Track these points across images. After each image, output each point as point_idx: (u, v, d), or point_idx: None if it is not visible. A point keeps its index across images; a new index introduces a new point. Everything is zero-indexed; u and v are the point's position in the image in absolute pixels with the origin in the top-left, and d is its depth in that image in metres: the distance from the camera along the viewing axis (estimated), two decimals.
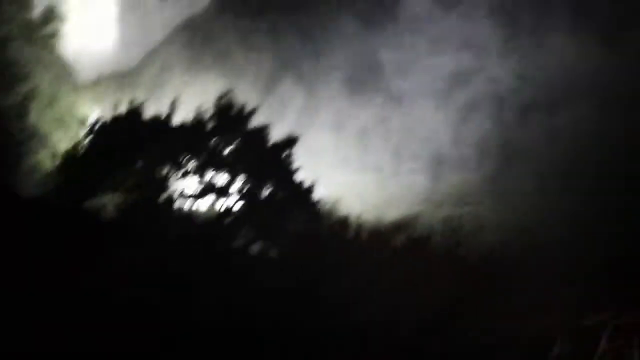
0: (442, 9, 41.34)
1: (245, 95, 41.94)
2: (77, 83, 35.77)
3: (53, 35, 29.85)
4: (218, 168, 19.54)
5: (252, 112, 20.98)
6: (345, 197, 34.93)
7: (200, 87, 39.69)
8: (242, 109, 20.83)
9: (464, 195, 36.34)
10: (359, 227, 35.09)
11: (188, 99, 30.75)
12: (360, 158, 39.64)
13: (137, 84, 38.83)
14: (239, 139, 20.13)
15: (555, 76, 39.09)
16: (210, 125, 19.89)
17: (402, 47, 41.86)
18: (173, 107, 22.26)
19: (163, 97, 33.52)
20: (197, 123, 19.69)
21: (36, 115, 27.94)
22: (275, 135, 38.99)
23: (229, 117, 20.18)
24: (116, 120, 19.67)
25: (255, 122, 21.72)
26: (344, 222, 35.01)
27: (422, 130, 39.76)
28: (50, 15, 29.56)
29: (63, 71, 34.33)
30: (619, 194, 31.79)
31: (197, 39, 42.30)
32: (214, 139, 19.71)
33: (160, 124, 19.14)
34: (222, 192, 19.41)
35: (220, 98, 20.49)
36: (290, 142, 21.55)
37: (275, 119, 40.63)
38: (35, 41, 28.18)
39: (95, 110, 34.18)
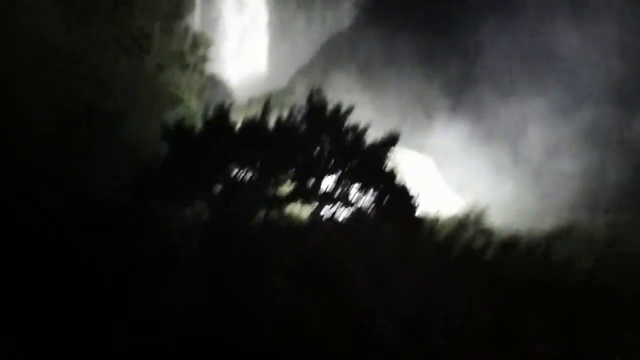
0: None
1: (390, 109, 42.80)
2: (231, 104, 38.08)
3: (202, 60, 32.09)
4: (314, 172, 18.72)
5: (349, 111, 19.73)
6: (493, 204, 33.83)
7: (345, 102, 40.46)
8: (338, 108, 19.66)
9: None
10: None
11: None
12: (512, 162, 38.03)
13: (285, 104, 40.51)
14: (336, 140, 19.14)
15: None
16: (304, 127, 18.89)
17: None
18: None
19: None
20: (291, 126, 18.78)
21: None
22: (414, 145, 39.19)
23: (323, 116, 19.20)
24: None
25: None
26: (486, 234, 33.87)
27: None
28: (197, 42, 31.79)
29: (217, 93, 36.81)
30: None
31: (341, 56, 43.34)
32: (307, 141, 18.82)
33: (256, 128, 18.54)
34: (324, 198, 18.63)
35: (311, 95, 19.29)
36: (391, 141, 20.16)
37: (419, 131, 40.86)
38: (186, 67, 30.51)
39: None
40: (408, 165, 40.92)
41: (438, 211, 34.57)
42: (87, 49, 26.17)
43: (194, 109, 28.33)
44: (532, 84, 40.56)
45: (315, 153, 18.79)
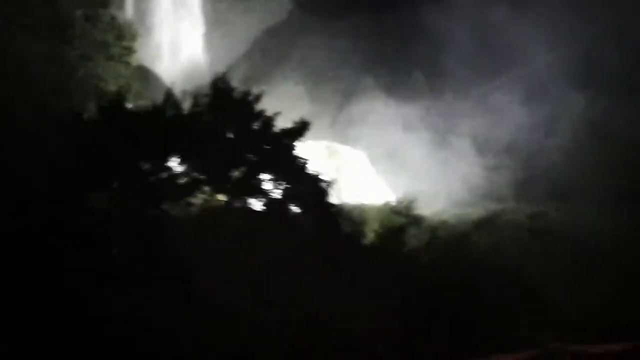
0: None
1: (328, 102, 42.85)
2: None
3: (128, 51, 31.50)
4: (221, 161, 18.23)
5: (257, 98, 19.35)
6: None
7: (280, 95, 40.39)
8: (245, 95, 19.19)
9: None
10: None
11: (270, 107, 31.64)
12: (444, 155, 38.45)
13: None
14: (242, 128, 18.75)
15: None
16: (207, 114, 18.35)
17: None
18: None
19: None
20: (194, 113, 18.17)
21: None
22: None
23: (229, 104, 18.76)
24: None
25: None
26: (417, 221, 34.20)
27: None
28: (123, 33, 31.22)
29: (148, 85, 36.13)
30: None
31: (279, 47, 43.14)
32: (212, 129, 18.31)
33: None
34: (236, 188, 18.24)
35: (216, 82, 18.75)
36: (300, 130, 19.89)
37: (357, 120, 41.01)
38: (110, 58, 29.91)
39: None
40: (342, 158, 41.15)
41: (363, 201, 34.94)
42: (5, 32, 25.51)
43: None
44: (468, 77, 41.19)
45: (221, 142, 18.53)
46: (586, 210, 30.77)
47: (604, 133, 35.80)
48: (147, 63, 42.85)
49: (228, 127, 18.51)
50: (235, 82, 34.39)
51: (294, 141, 19.87)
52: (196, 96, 18.74)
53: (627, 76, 37.95)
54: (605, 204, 30.92)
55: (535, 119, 37.54)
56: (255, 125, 19.07)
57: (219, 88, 18.70)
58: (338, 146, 40.89)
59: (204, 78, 43.17)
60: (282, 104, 35.40)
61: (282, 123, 24.99)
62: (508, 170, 36.89)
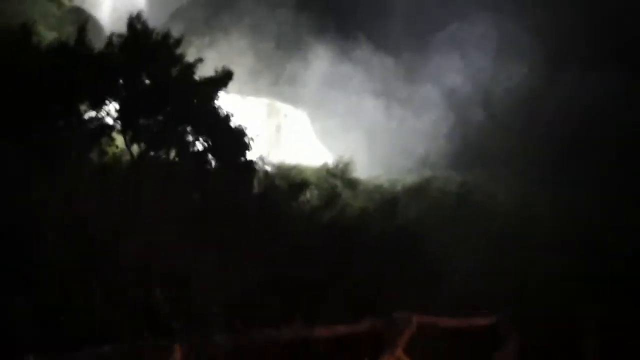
0: None
1: (271, 58, 42.06)
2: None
3: None
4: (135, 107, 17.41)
5: (178, 42, 18.57)
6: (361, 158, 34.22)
7: (221, 50, 39.49)
8: (164, 38, 18.32)
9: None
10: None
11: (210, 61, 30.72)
12: (383, 119, 38.38)
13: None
14: (158, 74, 17.96)
15: None
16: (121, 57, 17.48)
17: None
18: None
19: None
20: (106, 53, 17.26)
21: None
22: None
23: (146, 46, 17.93)
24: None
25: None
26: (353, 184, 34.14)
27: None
28: None
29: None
30: None
31: (219, 1, 41.97)
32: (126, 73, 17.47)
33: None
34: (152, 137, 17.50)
35: (131, 22, 17.80)
36: (222, 80, 19.25)
37: (299, 79, 40.45)
38: None
39: None
40: (283, 116, 40.67)
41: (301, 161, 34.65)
42: None
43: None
44: (411, 44, 40.95)
45: (136, 86, 17.76)
46: (513, 181, 31.24)
47: (537, 106, 36.23)
48: (86, 7, 41.28)
49: (143, 71, 17.69)
50: (176, 32, 33.28)
51: (216, 91, 19.24)
52: (110, 35, 17.79)
53: (565, 51, 38.30)
54: (534, 176, 31.49)
55: (472, 88, 37.80)
56: (175, 72, 18.33)
57: (135, 28, 17.78)
58: (279, 104, 40.40)
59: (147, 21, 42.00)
60: (223, 58, 34.77)
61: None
62: (445, 138, 37.09)
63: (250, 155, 20.99)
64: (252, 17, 41.18)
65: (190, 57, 22.50)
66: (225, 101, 29.12)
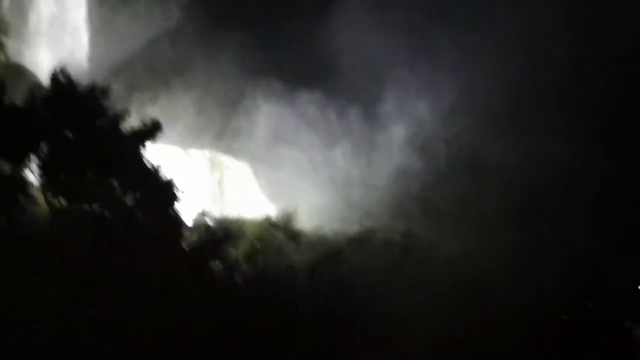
0: None
1: (213, 113, 42.05)
2: None
3: None
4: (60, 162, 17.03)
5: (104, 93, 18.40)
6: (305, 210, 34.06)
7: (164, 105, 39.39)
8: (90, 90, 18.18)
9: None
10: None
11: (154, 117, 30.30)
12: (326, 171, 38.50)
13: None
14: (84, 127, 17.67)
15: None
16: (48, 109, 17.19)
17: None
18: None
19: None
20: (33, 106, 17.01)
21: None
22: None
23: (72, 99, 17.70)
24: None
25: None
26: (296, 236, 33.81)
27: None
28: None
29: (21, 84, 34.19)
30: None
31: (164, 56, 41.95)
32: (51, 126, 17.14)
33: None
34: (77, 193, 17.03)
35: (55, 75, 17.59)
36: (150, 131, 19.07)
37: (242, 132, 40.46)
38: None
39: None
40: (225, 169, 40.39)
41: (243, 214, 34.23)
42: None
43: None
44: (354, 97, 41.56)
45: (59, 140, 17.33)
46: (453, 232, 31.57)
47: (477, 158, 37.09)
48: (24, 60, 40.67)
49: (67, 124, 17.31)
50: (119, 89, 32.66)
51: (144, 143, 18.95)
52: (32, 89, 17.42)
53: (504, 107, 39.53)
54: (473, 225, 31.92)
55: (413, 141, 38.45)
56: (101, 124, 18.01)
57: (58, 81, 17.46)
58: (222, 157, 40.13)
59: (87, 78, 41.59)
60: (165, 114, 34.43)
61: (168, 133, 23.79)
62: (386, 189, 37.36)
63: (190, 209, 20.62)
64: (194, 72, 41.21)
65: (133, 113, 22.30)
66: (165, 154, 28.73)
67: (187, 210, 23.78)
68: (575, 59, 38.99)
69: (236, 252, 26.71)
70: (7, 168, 17.06)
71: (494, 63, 40.34)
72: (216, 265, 19.02)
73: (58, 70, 17.64)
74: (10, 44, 38.59)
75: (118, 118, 18.20)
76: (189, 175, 31.62)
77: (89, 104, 17.88)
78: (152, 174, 18.62)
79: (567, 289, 29.13)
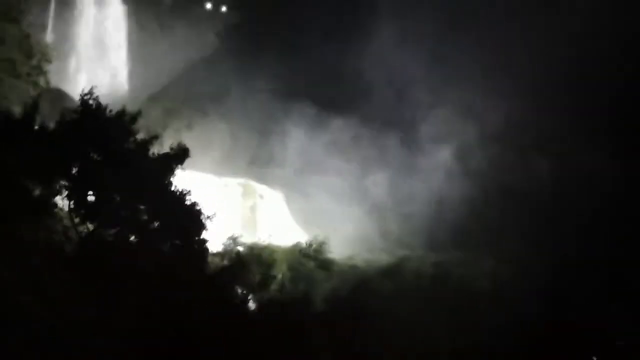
0: None
1: (247, 140, 42.33)
2: None
3: (37, 71, 30.52)
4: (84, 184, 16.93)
5: (134, 118, 18.28)
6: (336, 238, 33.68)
7: (199, 131, 39.79)
8: (120, 114, 18.06)
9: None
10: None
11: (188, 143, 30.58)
12: (358, 198, 38.14)
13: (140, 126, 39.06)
14: (111, 149, 17.57)
15: None
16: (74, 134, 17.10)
17: None
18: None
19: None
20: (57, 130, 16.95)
21: None
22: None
23: (99, 122, 17.56)
24: None
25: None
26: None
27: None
28: (33, 52, 30.34)
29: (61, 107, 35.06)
30: None
31: (199, 82, 42.52)
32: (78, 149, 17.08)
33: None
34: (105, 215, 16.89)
35: (84, 98, 17.55)
36: (179, 156, 18.79)
37: (276, 161, 40.56)
38: (17, 76, 28.84)
39: None
40: (258, 196, 40.34)
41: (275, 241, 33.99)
42: None
43: None
44: (387, 127, 41.29)
45: (85, 163, 17.27)
46: (486, 262, 30.80)
47: (508, 187, 36.37)
48: (65, 85, 41.70)
49: (94, 148, 17.28)
50: (156, 113, 32.86)
51: (172, 169, 18.75)
52: (63, 112, 17.50)
53: (535, 135, 38.89)
54: (504, 254, 31.17)
55: (451, 169, 37.80)
56: (128, 148, 17.91)
57: (87, 105, 17.46)
58: (255, 185, 40.18)
59: (126, 104, 42.34)
60: (200, 141, 34.67)
61: (202, 159, 23.77)
62: (419, 219, 36.75)
63: (221, 234, 20.34)
64: (229, 99, 41.62)
65: (167, 139, 22.40)
66: (199, 180, 28.64)
67: (218, 235, 23.65)
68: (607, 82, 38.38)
69: (263, 278, 26.47)
70: (37, 190, 17.04)
71: (530, 89, 39.78)
72: (235, 290, 18.71)
73: (86, 93, 17.59)
74: (52, 68, 39.53)
75: (147, 143, 18.06)
76: (221, 202, 31.39)
77: (117, 128, 17.76)
78: (179, 200, 18.39)
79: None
